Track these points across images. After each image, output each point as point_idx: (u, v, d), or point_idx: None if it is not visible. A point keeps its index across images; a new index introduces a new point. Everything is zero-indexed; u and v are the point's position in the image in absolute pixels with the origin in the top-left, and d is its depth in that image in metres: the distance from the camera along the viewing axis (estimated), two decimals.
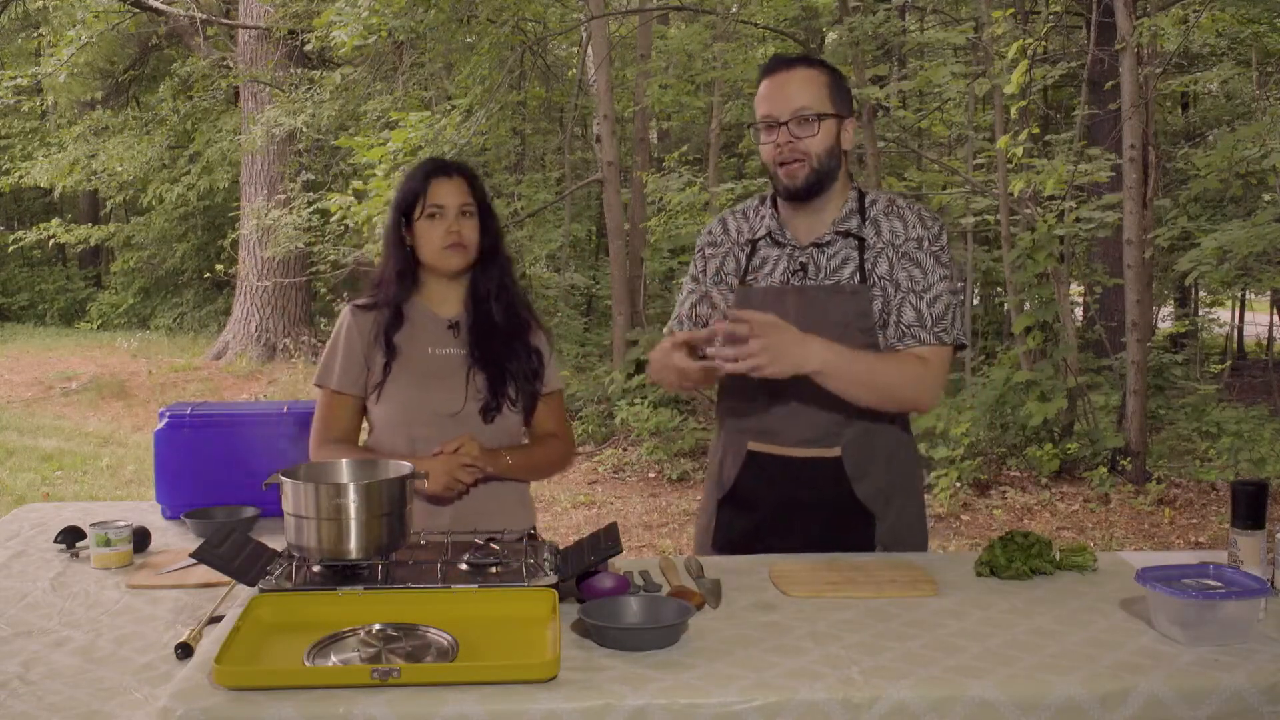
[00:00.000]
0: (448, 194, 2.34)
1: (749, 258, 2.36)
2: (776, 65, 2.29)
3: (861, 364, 2.16)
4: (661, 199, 9.94)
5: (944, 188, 9.72)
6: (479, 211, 2.38)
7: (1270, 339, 13.53)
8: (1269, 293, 12.36)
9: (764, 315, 2.06)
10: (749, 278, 2.34)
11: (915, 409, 2.32)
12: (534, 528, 2.46)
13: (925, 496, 7.11)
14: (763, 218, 2.37)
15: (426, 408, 2.33)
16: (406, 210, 2.36)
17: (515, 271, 2.49)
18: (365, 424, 2.45)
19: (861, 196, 2.33)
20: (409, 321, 2.38)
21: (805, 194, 2.27)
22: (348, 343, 2.38)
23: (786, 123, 2.23)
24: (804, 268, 2.29)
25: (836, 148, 2.27)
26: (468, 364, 2.37)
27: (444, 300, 2.42)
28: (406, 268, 2.39)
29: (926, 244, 2.26)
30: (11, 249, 16.40)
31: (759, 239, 2.36)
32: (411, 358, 2.36)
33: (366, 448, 2.40)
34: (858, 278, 2.26)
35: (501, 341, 2.40)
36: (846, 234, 2.28)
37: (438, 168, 2.38)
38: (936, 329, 2.24)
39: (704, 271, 2.44)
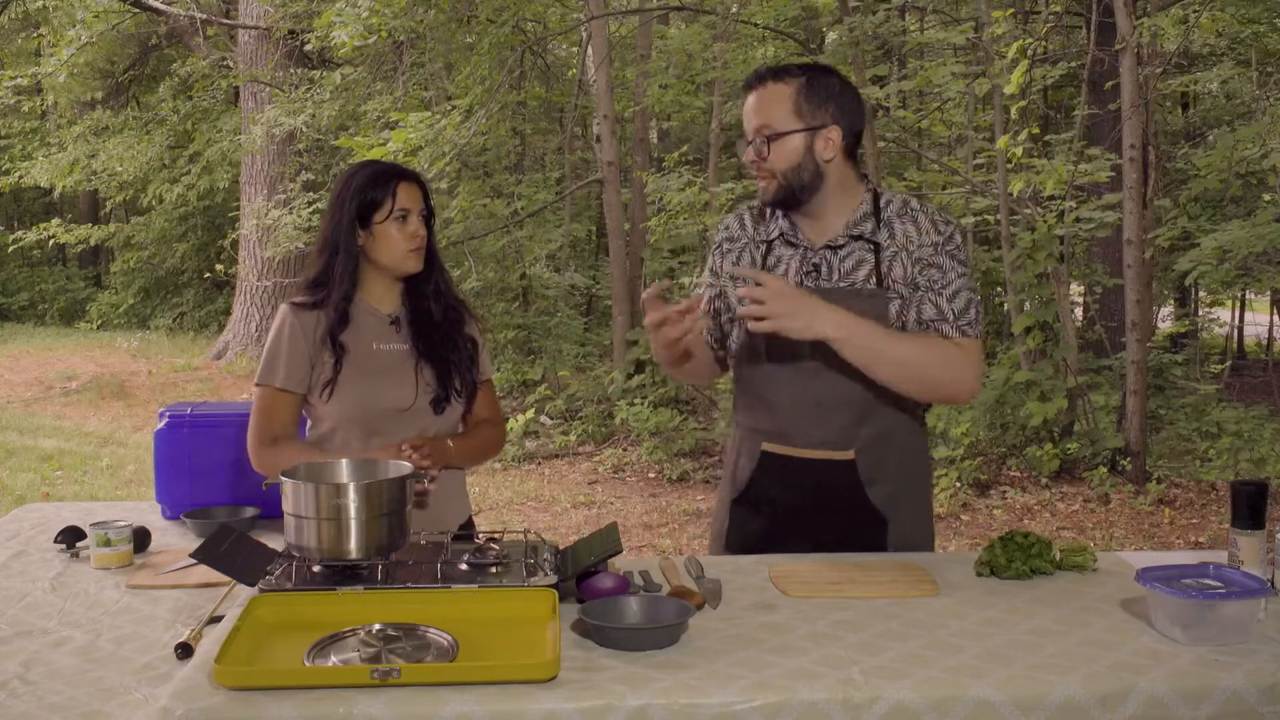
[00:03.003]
0: (412, 199, 2.39)
1: (764, 257, 2.36)
2: (749, 81, 2.29)
3: (885, 338, 2.14)
4: (661, 199, 9.94)
5: (944, 188, 9.71)
6: (429, 212, 2.45)
7: (1270, 339, 13.52)
8: (1269, 293, 12.35)
9: (782, 281, 2.10)
10: None
11: (953, 396, 2.27)
12: (471, 518, 2.55)
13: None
14: (776, 217, 2.36)
15: (379, 403, 2.37)
16: (367, 212, 2.37)
17: (448, 269, 2.56)
18: (308, 420, 2.48)
19: (876, 198, 2.30)
20: (352, 320, 2.41)
21: (780, 205, 2.29)
22: (291, 341, 2.39)
23: (753, 141, 2.25)
24: (817, 269, 2.29)
25: (809, 161, 2.23)
26: (413, 358, 2.43)
27: (384, 297, 2.46)
28: (357, 268, 2.41)
29: (942, 246, 2.24)
30: (11, 249, 16.40)
31: (773, 239, 2.36)
32: (359, 355, 2.39)
33: (313, 443, 2.42)
34: (873, 280, 2.25)
35: (442, 335, 2.46)
36: (860, 237, 2.27)
37: (400, 172, 2.41)
38: (960, 322, 2.22)
39: (721, 267, 2.45)
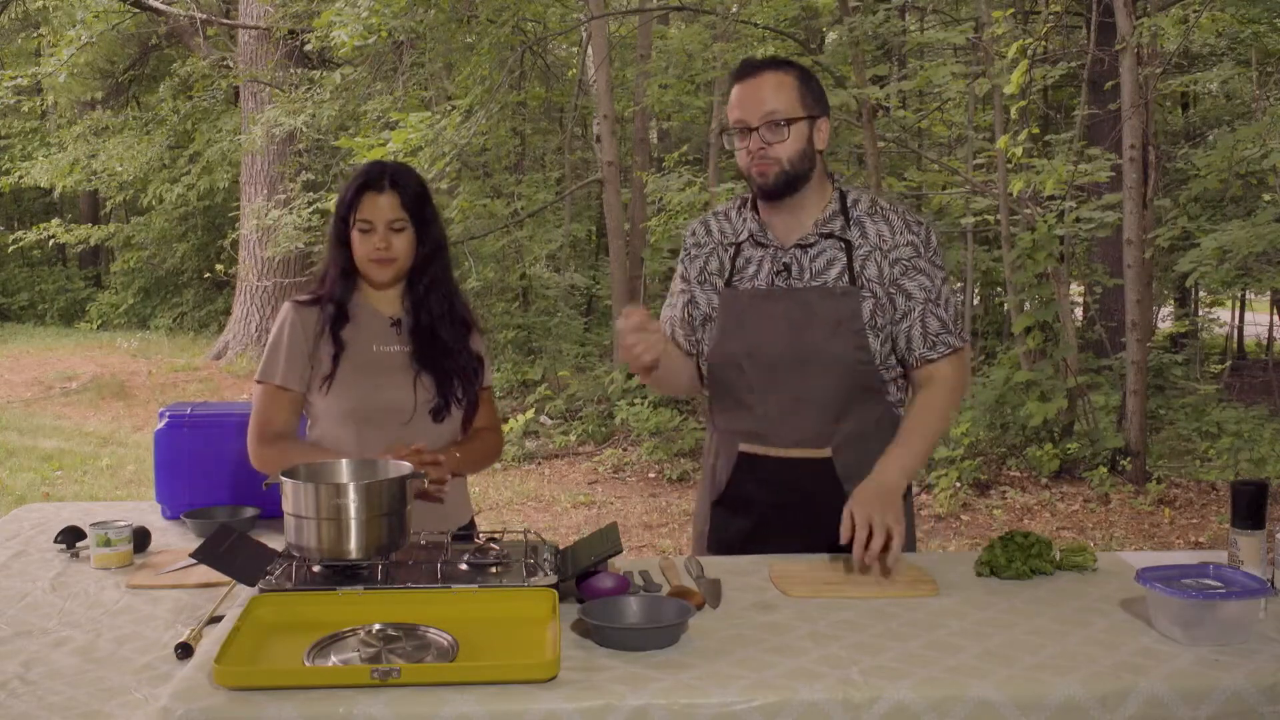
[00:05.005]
0: (377, 210, 2.35)
1: (734, 259, 2.37)
2: (746, 70, 2.30)
3: (927, 433, 2.27)
4: (661, 199, 9.94)
5: (944, 188, 9.72)
6: (414, 222, 2.39)
7: (1270, 339, 13.51)
8: (1269, 293, 12.35)
9: (850, 508, 2.08)
10: (734, 279, 2.36)
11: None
12: (473, 519, 2.55)
13: (925, 496, 7.05)
14: (745, 220, 2.38)
15: (377, 403, 2.36)
16: (346, 215, 2.39)
17: (455, 274, 2.52)
18: (308, 419, 2.47)
19: (844, 197, 2.34)
20: (353, 318, 2.41)
21: (778, 193, 2.29)
22: (291, 338, 2.39)
23: (757, 128, 2.25)
24: (787, 268, 2.30)
25: (809, 149, 2.28)
26: (413, 364, 2.41)
27: (385, 299, 2.46)
28: (350, 267, 2.42)
29: (923, 250, 2.30)
30: (11, 249, 16.39)
31: (742, 241, 2.37)
32: (359, 353, 2.39)
33: (312, 442, 2.42)
34: (846, 279, 2.27)
35: (444, 346, 2.44)
36: (830, 235, 2.30)
37: (369, 182, 2.38)
38: (958, 327, 2.34)
39: (689, 273, 2.45)
